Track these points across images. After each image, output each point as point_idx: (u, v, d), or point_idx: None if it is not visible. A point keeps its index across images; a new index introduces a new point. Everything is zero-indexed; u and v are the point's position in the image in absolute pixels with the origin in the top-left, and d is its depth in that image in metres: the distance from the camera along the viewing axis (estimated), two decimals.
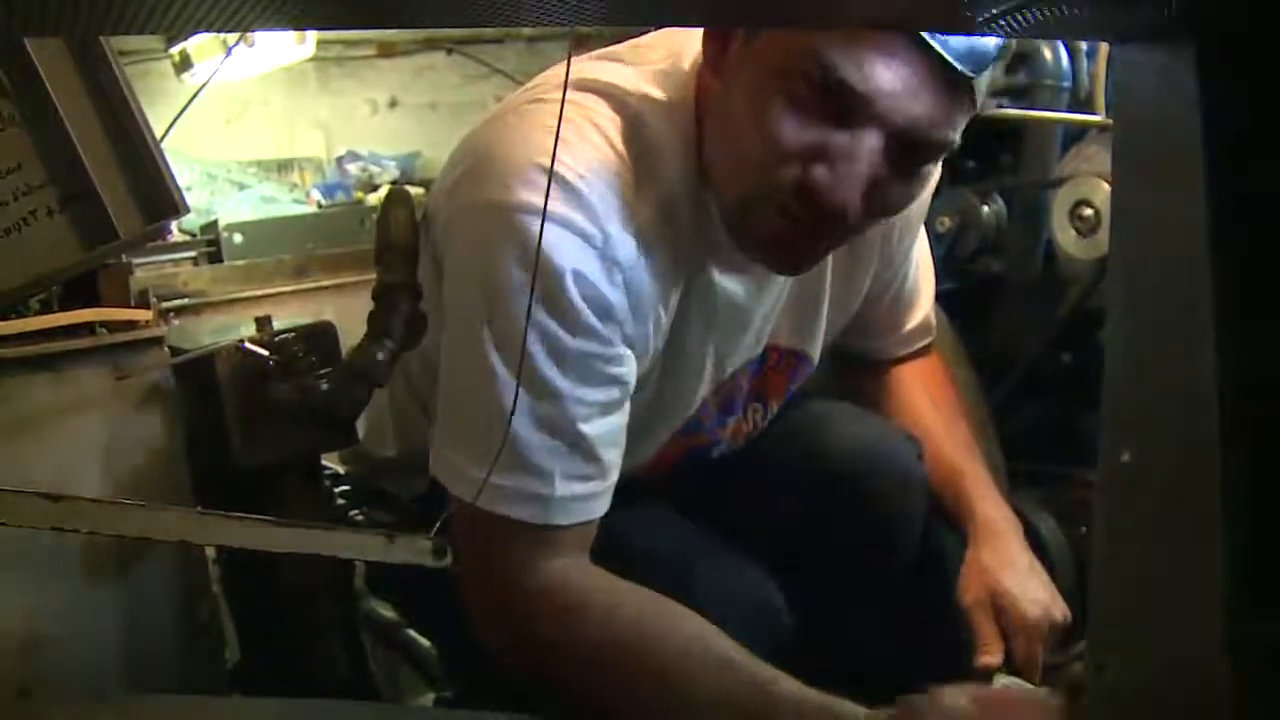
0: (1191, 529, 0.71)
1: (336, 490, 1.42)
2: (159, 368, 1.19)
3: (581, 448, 1.02)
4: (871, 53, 0.90)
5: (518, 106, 1.07)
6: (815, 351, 1.29)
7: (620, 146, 1.02)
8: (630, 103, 1.04)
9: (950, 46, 0.90)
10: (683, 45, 1.08)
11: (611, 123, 1.03)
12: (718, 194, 1.04)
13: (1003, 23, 0.73)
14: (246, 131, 2.81)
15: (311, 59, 2.67)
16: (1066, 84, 1.75)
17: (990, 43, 0.92)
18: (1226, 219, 0.68)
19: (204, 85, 1.69)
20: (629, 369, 1.04)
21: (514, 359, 0.97)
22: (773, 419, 1.32)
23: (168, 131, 1.38)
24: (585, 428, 1.01)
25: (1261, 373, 0.69)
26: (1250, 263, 0.69)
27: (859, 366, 1.43)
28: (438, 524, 1.06)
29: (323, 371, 1.18)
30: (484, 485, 0.98)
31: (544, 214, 0.94)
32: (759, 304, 1.17)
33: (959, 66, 0.91)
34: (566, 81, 0.95)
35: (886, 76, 0.91)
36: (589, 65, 1.09)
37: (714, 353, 1.17)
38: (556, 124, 0.93)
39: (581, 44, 1.09)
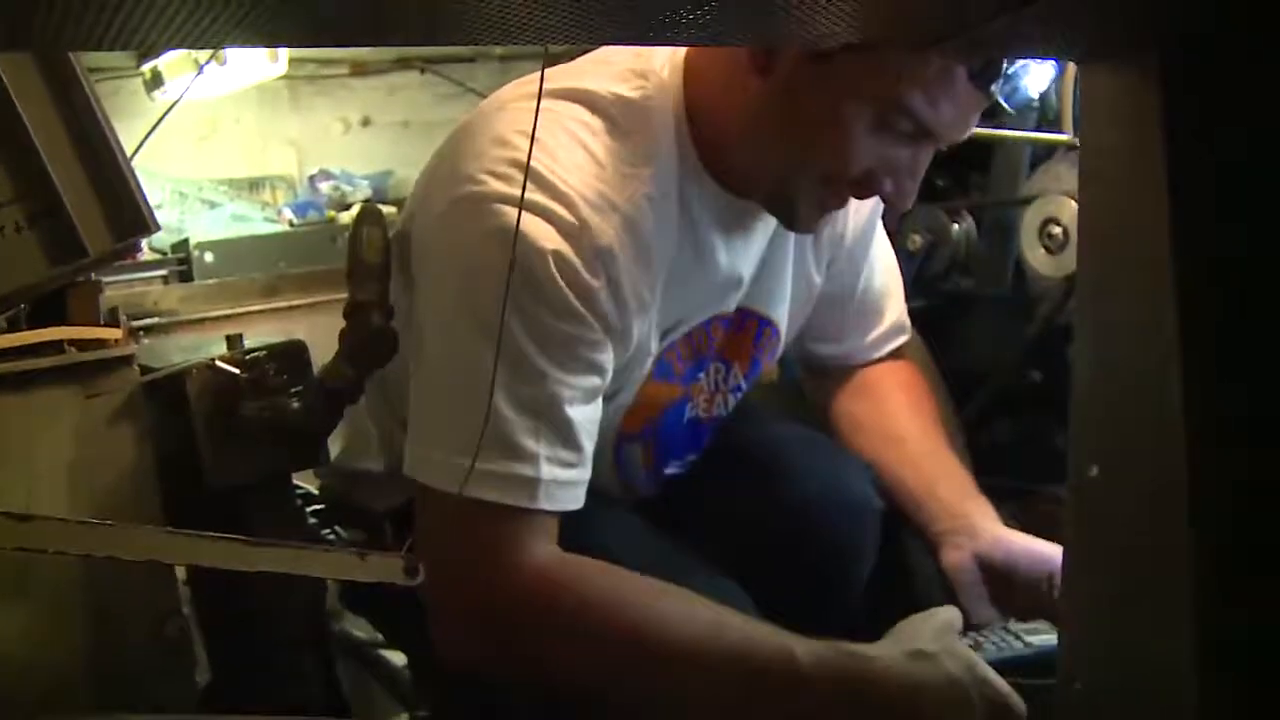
0: (1159, 543, 0.71)
1: (308, 509, 1.41)
2: (128, 386, 1.18)
3: (563, 432, 1.02)
4: (940, 92, 1.02)
5: (486, 113, 1.09)
6: (782, 322, 1.31)
7: (594, 143, 1.05)
8: (602, 101, 1.07)
9: (1003, 89, 1.09)
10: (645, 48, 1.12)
11: (583, 124, 1.06)
12: (752, 175, 1.11)
13: (971, 44, 0.74)
14: (218, 149, 2.80)
15: (284, 77, 2.67)
16: (1035, 103, 1.77)
17: (1029, 85, 1.10)
18: (1192, 236, 0.69)
19: (175, 103, 1.68)
20: (608, 357, 1.05)
21: (492, 342, 0.97)
22: (738, 432, 1.34)
23: (138, 149, 1.37)
24: (569, 411, 1.02)
25: (1227, 387, 0.70)
26: (1217, 279, 0.70)
27: (834, 374, 1.45)
28: (409, 542, 1.05)
29: (294, 390, 1.17)
30: (469, 471, 0.98)
31: (520, 204, 0.96)
32: (743, 262, 1.20)
33: (1000, 100, 1.10)
34: (540, 90, 0.97)
35: (950, 113, 1.03)
36: (555, 73, 1.10)
37: (691, 299, 1.19)
38: (527, 124, 0.97)
39: (554, 62, 1.09)
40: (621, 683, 1.03)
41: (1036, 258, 1.70)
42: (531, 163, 0.98)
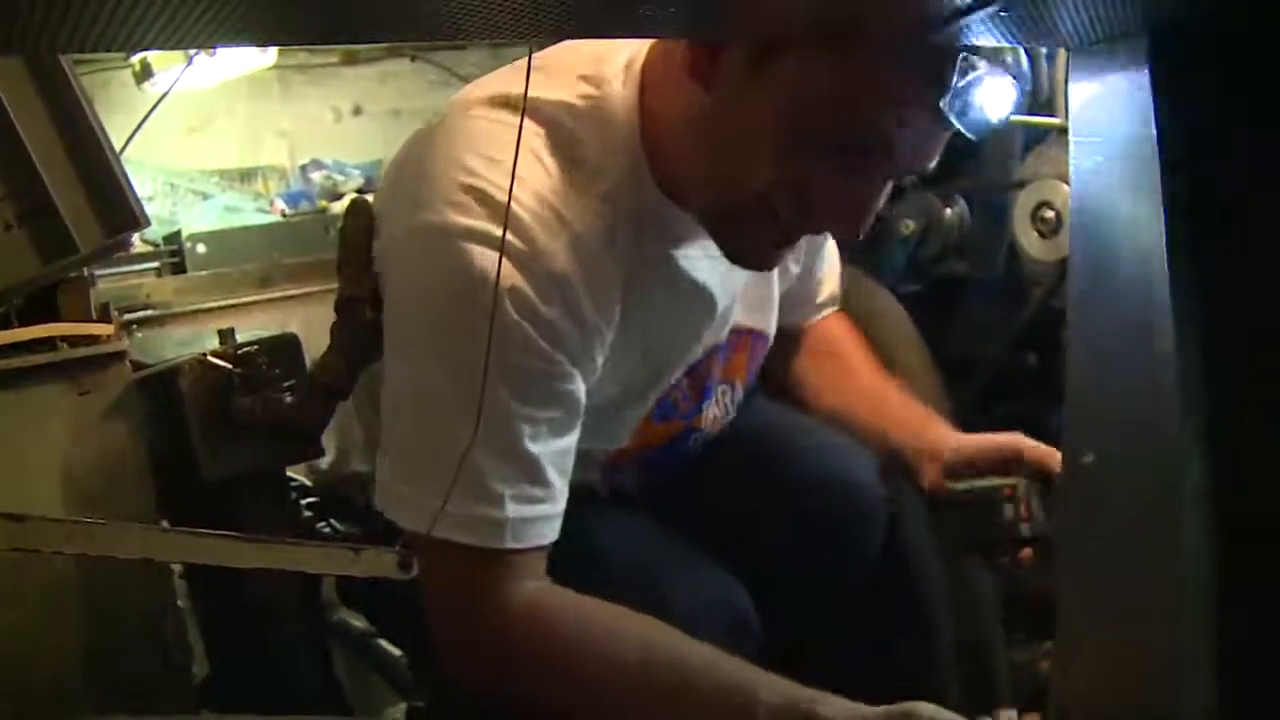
0: (1155, 528, 0.72)
1: (303, 502, 1.41)
2: (121, 383, 1.18)
3: (529, 470, 1.01)
4: (881, 97, 0.94)
5: (448, 123, 1.07)
6: (771, 329, 1.31)
7: (548, 159, 1.02)
8: (553, 113, 1.04)
9: (965, 118, 0.95)
10: (601, 46, 1.09)
11: (537, 136, 1.03)
12: (692, 195, 1.05)
13: (962, 31, 0.74)
14: (209, 140, 2.80)
15: (274, 67, 2.66)
16: (1027, 87, 1.76)
17: (989, 111, 0.96)
18: (1183, 219, 0.69)
19: (165, 95, 1.68)
20: (576, 387, 1.04)
21: (455, 381, 0.97)
22: (735, 422, 1.33)
23: (128, 142, 1.37)
24: (532, 447, 1.01)
25: (1222, 371, 0.70)
26: (1209, 263, 0.70)
27: (785, 335, 1.44)
28: (404, 536, 1.05)
29: (286, 384, 1.17)
30: (437, 514, 0.97)
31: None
32: (727, 286, 1.18)
33: (964, 131, 0.96)
34: (526, 90, 0.96)
35: (911, 139, 0.96)
36: (506, 77, 1.09)
37: (684, 335, 1.18)
38: (484, 142, 0.97)
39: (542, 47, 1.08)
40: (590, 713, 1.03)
41: (1030, 241, 1.70)
42: (484, 186, 0.98)
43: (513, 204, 0.97)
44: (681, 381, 1.22)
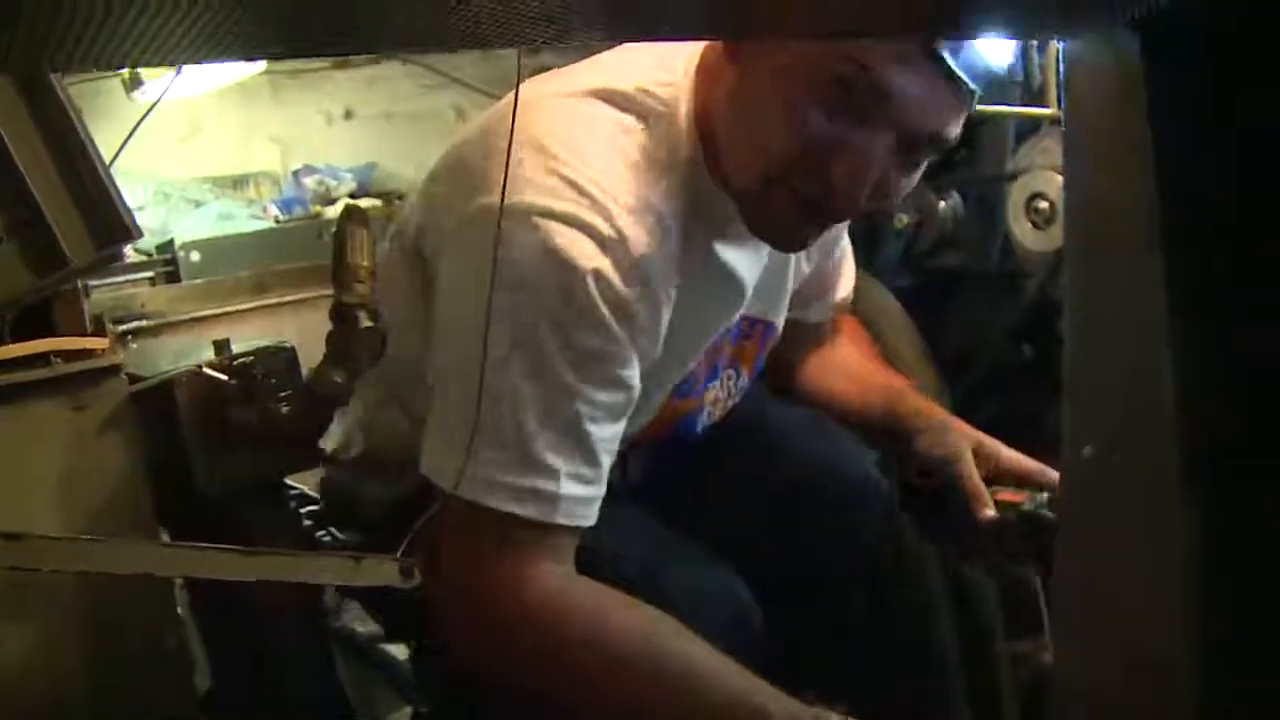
0: (1154, 522, 0.71)
1: (303, 510, 1.41)
2: (117, 397, 1.18)
3: (584, 449, 1.02)
4: (898, 63, 0.96)
5: (528, 111, 1.05)
6: (781, 321, 1.33)
7: (627, 142, 1.05)
8: (632, 100, 1.07)
9: (960, 60, 0.96)
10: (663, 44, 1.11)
11: (615, 123, 1.06)
12: (731, 175, 1.07)
13: (954, 22, 0.74)
14: (200, 148, 2.78)
15: (265, 72, 2.65)
16: (1019, 77, 1.76)
17: (987, 57, 1.00)
18: (1176, 210, 0.69)
19: (155, 103, 1.67)
20: (635, 373, 1.05)
21: (530, 358, 0.99)
22: (738, 416, 1.34)
23: (119, 152, 1.36)
24: (592, 429, 1.02)
25: (1221, 362, 0.70)
26: (1202, 251, 0.70)
27: (797, 329, 1.45)
28: (404, 544, 1.05)
29: (283, 394, 1.17)
30: (495, 483, 1.00)
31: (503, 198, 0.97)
32: (752, 274, 1.20)
33: (967, 80, 0.97)
34: (517, 93, 0.96)
35: (911, 83, 0.97)
36: (580, 69, 1.11)
37: (711, 319, 1.20)
38: (562, 128, 1.00)
39: (533, 53, 1.09)
40: (594, 711, 1.04)
41: (1024, 233, 1.70)
42: (565, 169, 0.99)
43: (599, 191, 1.01)
44: (700, 361, 1.24)
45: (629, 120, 1.06)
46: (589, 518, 1.05)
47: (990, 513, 1.18)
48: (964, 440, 1.27)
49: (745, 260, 1.18)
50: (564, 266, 0.98)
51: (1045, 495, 1.18)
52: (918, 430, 1.29)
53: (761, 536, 1.26)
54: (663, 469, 1.29)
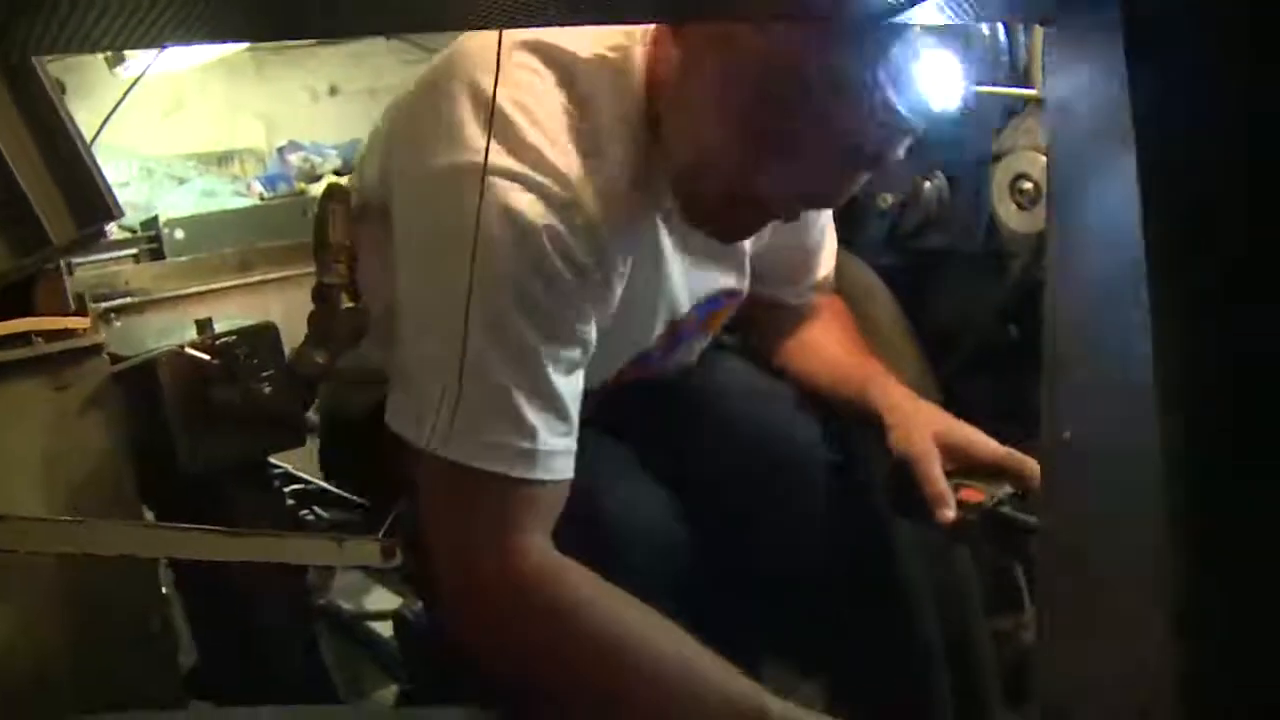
0: (1133, 507, 0.72)
1: (287, 490, 1.41)
2: (98, 376, 1.17)
3: (556, 404, 1.03)
4: (836, 94, 0.94)
5: (460, 71, 1.06)
6: (746, 285, 1.34)
7: (574, 108, 1.04)
8: (581, 68, 1.05)
9: (903, 99, 0.95)
10: None
11: (561, 84, 1.04)
12: (671, 161, 1.06)
13: (932, 6, 0.74)
14: (184, 124, 2.77)
15: (249, 48, 2.64)
16: (1004, 57, 1.76)
17: (933, 96, 0.97)
18: (1159, 193, 0.69)
19: (138, 78, 1.66)
20: (590, 329, 1.06)
21: (489, 314, 0.99)
22: (697, 369, 1.37)
23: (102, 128, 1.35)
24: (559, 384, 1.03)
25: (1201, 346, 0.70)
26: (1186, 235, 0.70)
27: (778, 310, 1.46)
28: (386, 524, 1.05)
29: (265, 374, 1.17)
30: (475, 442, 1.00)
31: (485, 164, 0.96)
32: (707, 251, 1.21)
33: (907, 117, 0.96)
34: (499, 70, 0.96)
35: (850, 113, 0.95)
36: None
37: (669, 296, 1.21)
38: (506, 86, 0.97)
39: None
40: (577, 692, 1.04)
41: (1009, 213, 1.69)
42: (519, 131, 0.99)
43: (551, 153, 1.01)
44: (662, 335, 1.25)
45: (578, 85, 1.05)
46: (569, 471, 1.05)
47: (950, 514, 1.17)
48: (929, 436, 1.23)
49: (696, 238, 1.17)
50: (519, 225, 0.99)
51: (1006, 490, 1.17)
52: (886, 426, 1.28)
53: (698, 473, 1.26)
54: (615, 401, 1.29)
